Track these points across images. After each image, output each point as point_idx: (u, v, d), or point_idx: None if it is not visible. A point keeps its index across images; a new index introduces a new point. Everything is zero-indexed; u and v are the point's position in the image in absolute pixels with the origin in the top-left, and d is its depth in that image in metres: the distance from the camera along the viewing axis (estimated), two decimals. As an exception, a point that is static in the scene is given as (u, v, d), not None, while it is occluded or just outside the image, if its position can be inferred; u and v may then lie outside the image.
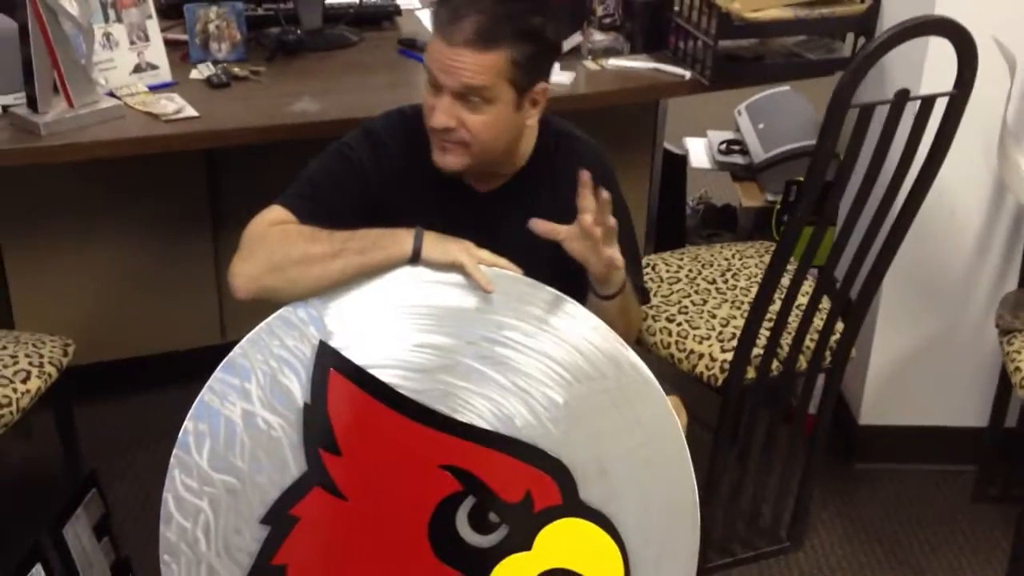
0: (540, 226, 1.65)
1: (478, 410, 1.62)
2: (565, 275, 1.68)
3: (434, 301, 1.64)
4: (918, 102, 1.87)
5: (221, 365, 1.63)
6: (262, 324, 1.64)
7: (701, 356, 2.09)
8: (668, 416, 1.68)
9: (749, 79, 2.68)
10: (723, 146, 3.34)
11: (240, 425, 1.62)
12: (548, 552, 1.66)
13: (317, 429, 1.62)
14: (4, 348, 1.99)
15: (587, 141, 1.89)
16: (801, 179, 2.78)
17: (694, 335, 2.12)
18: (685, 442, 1.69)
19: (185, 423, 1.63)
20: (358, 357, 1.62)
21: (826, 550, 2.33)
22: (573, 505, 1.65)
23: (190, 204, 2.59)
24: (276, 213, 1.73)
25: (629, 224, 1.87)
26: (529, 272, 1.66)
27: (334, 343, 1.62)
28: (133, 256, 2.58)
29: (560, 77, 2.55)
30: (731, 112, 3.38)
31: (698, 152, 3.38)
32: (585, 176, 1.62)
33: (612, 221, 1.63)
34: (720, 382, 2.07)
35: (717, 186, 3.64)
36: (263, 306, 1.72)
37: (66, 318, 2.27)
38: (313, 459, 1.62)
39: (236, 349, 1.63)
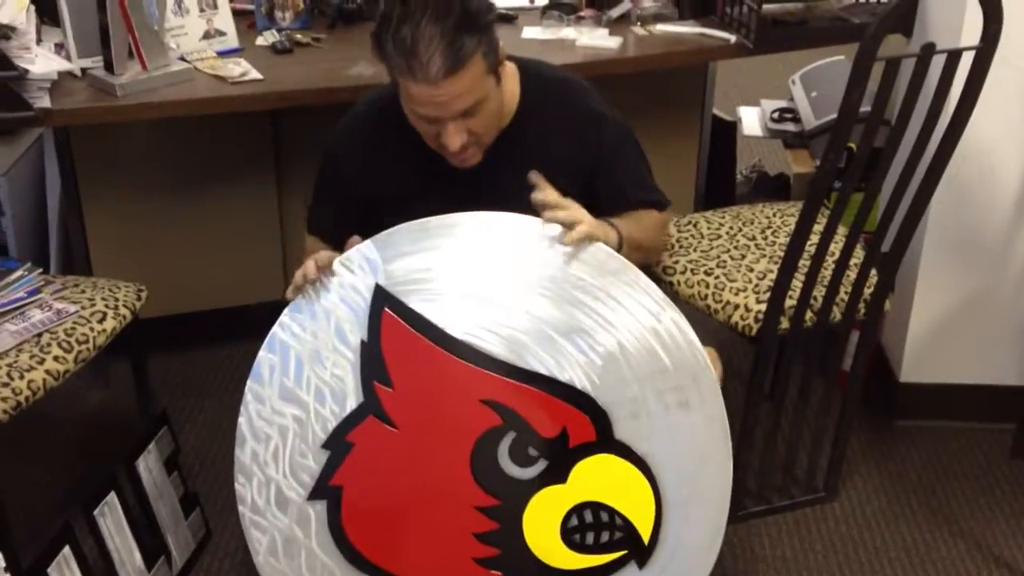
0: (537, 179, 1.74)
1: (523, 354, 1.72)
2: None
3: (488, 252, 1.75)
4: (944, 56, 1.91)
5: (290, 305, 1.78)
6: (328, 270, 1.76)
7: (736, 307, 2.16)
8: (703, 366, 1.76)
9: (793, 43, 2.73)
10: (776, 114, 3.38)
11: (307, 361, 1.77)
12: (582, 485, 1.76)
13: (373, 364, 1.75)
14: (83, 292, 2.14)
15: (571, 81, 1.95)
16: (852, 146, 2.82)
17: (731, 287, 2.19)
18: (719, 387, 1.78)
19: (259, 355, 1.78)
20: (410, 300, 1.74)
21: (862, 501, 2.39)
22: (607, 442, 1.75)
23: (255, 164, 2.72)
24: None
25: (632, 142, 1.96)
26: None
27: (391, 285, 1.75)
28: (202, 213, 2.72)
29: (608, 42, 2.64)
30: (786, 82, 3.42)
31: (751, 120, 3.43)
32: (533, 177, 1.72)
33: (560, 209, 1.71)
34: (754, 332, 2.14)
35: (771, 156, 3.70)
36: None
37: (140, 270, 2.40)
38: (368, 391, 1.75)
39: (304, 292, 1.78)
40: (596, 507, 1.76)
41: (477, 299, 1.74)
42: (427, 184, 1.88)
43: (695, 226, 2.43)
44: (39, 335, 1.99)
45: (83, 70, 2.36)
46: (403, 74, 1.70)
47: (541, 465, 1.75)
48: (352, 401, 1.75)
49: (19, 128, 2.45)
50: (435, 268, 1.75)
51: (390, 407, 1.75)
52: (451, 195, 1.79)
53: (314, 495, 1.77)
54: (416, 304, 1.74)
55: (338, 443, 1.76)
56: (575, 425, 1.74)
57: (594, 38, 2.67)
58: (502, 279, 1.74)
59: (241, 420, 1.79)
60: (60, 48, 2.39)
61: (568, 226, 1.71)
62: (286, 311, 1.78)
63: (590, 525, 1.76)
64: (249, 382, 1.78)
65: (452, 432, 1.76)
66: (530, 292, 1.74)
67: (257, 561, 1.81)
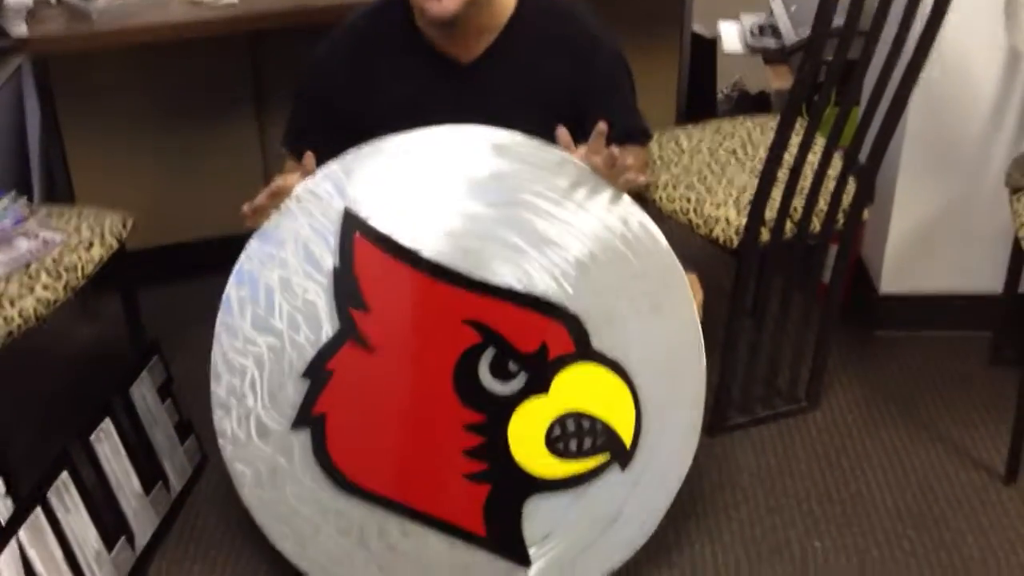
0: (563, 136, 1.75)
1: (497, 269, 1.76)
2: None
3: (457, 167, 1.77)
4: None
5: (255, 235, 1.79)
6: (291, 196, 1.78)
7: (718, 220, 2.18)
8: (674, 269, 1.80)
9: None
10: (756, 29, 3.37)
11: (278, 289, 1.78)
12: (564, 395, 1.80)
13: (346, 290, 1.77)
14: (69, 221, 2.14)
15: (573, 5, 1.94)
16: (831, 59, 2.82)
17: (712, 201, 2.21)
18: (690, 290, 1.82)
19: (227, 289, 1.79)
20: (380, 222, 1.76)
21: (843, 410, 2.44)
22: (585, 352, 1.79)
23: (236, 90, 2.71)
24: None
25: (624, 70, 1.96)
26: None
27: (358, 210, 1.76)
28: (183, 141, 2.71)
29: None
30: (764, -3, 3.40)
31: (731, 36, 3.41)
32: (601, 127, 1.71)
33: (618, 158, 1.72)
34: (736, 245, 2.16)
35: (752, 73, 3.69)
36: None
37: (123, 199, 2.40)
38: (344, 316, 1.77)
39: (269, 220, 1.79)
40: (578, 416, 1.81)
41: (444, 217, 1.76)
42: (420, 93, 1.87)
43: (675, 141, 2.44)
44: (27, 264, 2.00)
45: (57, -2, 2.35)
46: None
47: (522, 379, 1.78)
48: (328, 328, 1.77)
49: (-4, 57, 2.43)
50: (399, 189, 1.76)
51: (368, 331, 1.77)
52: (443, 104, 1.79)
53: (297, 424, 1.80)
54: (385, 227, 1.75)
55: (318, 371, 1.78)
56: (553, 337, 1.78)
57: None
58: (466, 195, 1.76)
59: (215, 354, 1.80)
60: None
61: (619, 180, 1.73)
62: (252, 240, 1.79)
63: (573, 433, 1.81)
64: (219, 316, 1.80)
65: (432, 352, 1.79)
66: (495, 206, 1.75)
67: (243, 494, 1.85)
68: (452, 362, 1.78)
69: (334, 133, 1.88)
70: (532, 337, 1.77)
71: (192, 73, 2.64)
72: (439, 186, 1.77)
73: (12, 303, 1.91)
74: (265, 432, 1.80)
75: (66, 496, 1.85)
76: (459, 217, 1.75)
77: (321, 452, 1.81)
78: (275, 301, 1.78)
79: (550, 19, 1.89)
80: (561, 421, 1.80)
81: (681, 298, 1.81)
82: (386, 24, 1.87)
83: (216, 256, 2.78)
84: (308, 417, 1.80)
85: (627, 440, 1.82)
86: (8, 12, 2.21)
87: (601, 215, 1.77)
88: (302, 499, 1.83)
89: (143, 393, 2.10)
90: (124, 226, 2.18)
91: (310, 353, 1.78)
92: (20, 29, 2.21)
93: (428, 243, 1.75)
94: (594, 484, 1.83)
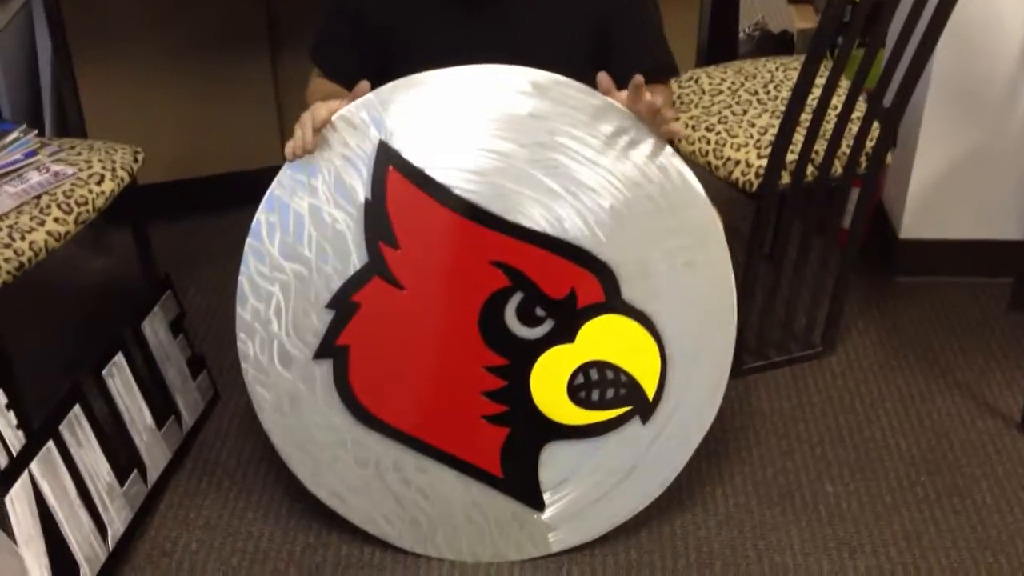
0: (603, 81, 1.70)
1: (529, 212, 1.73)
2: (579, 77, 1.73)
3: (495, 106, 1.72)
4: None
5: (288, 162, 1.76)
6: (327, 125, 1.74)
7: (737, 163, 2.14)
8: (711, 221, 1.77)
9: None
10: (779, -31, 3.31)
11: (307, 218, 1.76)
12: (590, 345, 1.78)
13: (377, 223, 1.74)
14: (80, 154, 2.12)
15: None
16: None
17: (732, 143, 2.18)
18: (726, 247, 1.78)
19: (257, 214, 1.77)
20: (416, 157, 1.72)
21: (859, 354, 2.42)
22: (615, 302, 1.77)
23: (249, 26, 2.67)
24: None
25: (652, 4, 1.92)
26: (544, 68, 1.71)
27: (394, 143, 1.73)
28: (196, 76, 2.68)
29: None
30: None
31: (754, -25, 3.36)
32: (638, 80, 1.67)
33: (661, 109, 1.68)
34: (755, 188, 2.13)
35: (775, 11, 3.62)
36: None
37: (135, 134, 2.37)
38: (374, 251, 1.75)
39: None
40: (602, 365, 1.79)
41: (479, 156, 1.72)
42: (444, 20, 1.83)
43: (696, 82, 2.40)
44: (38, 197, 1.99)
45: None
46: None
47: (548, 325, 1.77)
48: (356, 260, 1.75)
49: (6, -10, 2.41)
50: (436, 125, 1.73)
51: (396, 267, 1.76)
52: (467, 32, 1.76)
53: (320, 354, 1.79)
54: (420, 161, 1.72)
55: (343, 303, 1.77)
56: (583, 286, 1.76)
57: None
58: (502, 135, 1.72)
59: (241, 278, 1.79)
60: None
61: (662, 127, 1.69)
62: (285, 168, 1.76)
63: (596, 383, 1.80)
64: (248, 240, 1.78)
65: (460, 293, 1.77)
66: (531, 147, 1.72)
67: (263, 418, 1.85)
68: (479, 303, 1.76)
69: (363, 50, 1.86)
70: (561, 283, 1.75)
71: (207, 9, 2.60)
72: (476, 124, 1.73)
73: (23, 236, 1.90)
74: (288, 359, 1.80)
75: (78, 430, 1.85)
76: (494, 156, 1.72)
77: (342, 383, 1.80)
78: (304, 229, 1.75)
79: None
80: (584, 369, 1.79)
81: (718, 254, 1.78)
82: None
83: (229, 191, 2.80)
84: (331, 348, 1.79)
85: (650, 393, 1.80)
86: (18, -58, 2.18)
87: (641, 164, 1.73)
88: (321, 427, 1.83)
89: (155, 328, 2.09)
90: (135, 160, 2.16)
91: (337, 284, 1.76)
92: (30, -40, 2.18)
93: (462, 181, 1.72)
94: (613, 435, 1.83)
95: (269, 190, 1.77)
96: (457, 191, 1.73)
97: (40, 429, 1.79)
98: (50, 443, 1.78)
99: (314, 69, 1.99)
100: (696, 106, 2.30)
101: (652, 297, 1.77)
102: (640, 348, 1.79)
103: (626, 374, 1.79)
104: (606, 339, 1.78)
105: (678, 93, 2.36)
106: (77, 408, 1.86)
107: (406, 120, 1.73)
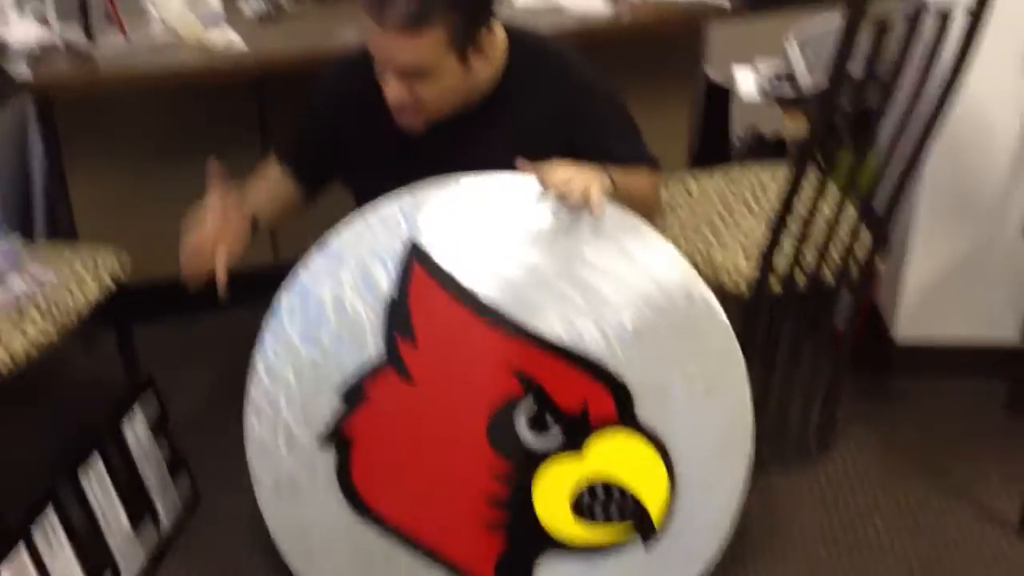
0: (524, 165, 1.71)
1: (550, 322, 1.71)
2: None
3: (526, 215, 1.72)
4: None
5: (317, 247, 1.76)
6: (358, 215, 1.75)
7: (727, 269, 2.13)
8: (732, 350, 1.76)
9: (788, 3, 2.70)
10: (772, 75, 3.34)
11: (329, 305, 1.74)
12: (598, 461, 1.75)
13: (398, 317, 1.73)
14: (63, 259, 2.13)
15: (562, 50, 1.91)
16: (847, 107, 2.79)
17: (720, 248, 2.17)
18: (746, 377, 1.76)
19: (280, 296, 1.76)
20: (443, 258, 1.72)
21: (854, 458, 2.37)
22: (627, 421, 1.74)
23: (240, 132, 2.70)
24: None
25: (622, 111, 1.93)
26: None
27: (423, 242, 1.72)
28: (187, 180, 2.64)
29: (600, 7, 2.61)
30: (782, 41, 3.38)
31: (746, 81, 3.37)
32: (520, 164, 1.69)
33: (569, 180, 1.68)
34: (745, 294, 2.11)
35: (767, 117, 3.65)
36: (315, 227, 1.85)
37: (125, 236, 2.39)
38: (391, 343, 1.74)
39: (334, 236, 1.75)
40: (609, 484, 1.76)
41: (505, 262, 1.72)
42: (399, 145, 1.84)
43: (685, 187, 2.41)
44: (19, 304, 1.98)
45: (62, 37, 2.34)
46: (365, 5, 1.67)
47: (558, 436, 1.74)
48: (372, 350, 1.73)
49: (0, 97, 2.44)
50: (466, 228, 1.73)
51: (411, 362, 1.74)
52: (424, 159, 1.76)
53: (325, 441, 1.77)
54: (446, 262, 1.72)
55: (353, 392, 1.75)
56: (596, 400, 1.73)
57: (586, 4, 2.64)
58: (529, 244, 1.72)
59: (256, 358, 1.77)
60: (40, 16, 2.37)
61: (578, 196, 1.67)
62: (313, 253, 1.75)
63: (601, 501, 1.76)
64: (269, 320, 1.76)
65: (471, 394, 1.75)
66: (557, 258, 1.71)
67: (260, 497, 1.81)
68: (490, 407, 1.74)
69: (317, 147, 1.92)
70: (575, 395, 1.73)
71: (197, 113, 2.64)
72: (505, 231, 1.73)
73: (3, 343, 1.89)
74: (293, 443, 1.77)
75: (51, 533, 1.82)
76: (520, 264, 1.71)
77: (344, 474, 1.78)
78: (325, 315, 1.74)
79: (543, 73, 1.85)
80: (590, 485, 1.75)
81: (736, 381, 1.76)
82: (365, 78, 1.82)
83: (214, 294, 2.79)
84: (337, 436, 1.77)
85: (656, 519, 1.77)
86: (11, 54, 2.20)
87: (665, 286, 1.72)
88: (317, 517, 1.79)
89: (135, 428, 2.07)
90: (120, 265, 2.16)
91: (350, 372, 1.74)
92: (23, 71, 2.20)
93: (486, 285, 1.71)
94: (612, 557, 1.78)
95: (294, 273, 1.76)
96: (480, 295, 1.71)
97: (12, 532, 1.75)
98: (20, 546, 1.75)
99: (273, 158, 2.01)
100: (684, 210, 2.31)
101: (667, 420, 1.74)
102: (649, 471, 1.75)
103: (632, 496, 1.75)
104: (615, 457, 1.75)
105: (666, 198, 2.36)
106: (51, 511, 1.83)
107: (437, 221, 1.73)
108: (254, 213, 1.86)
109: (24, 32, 2.26)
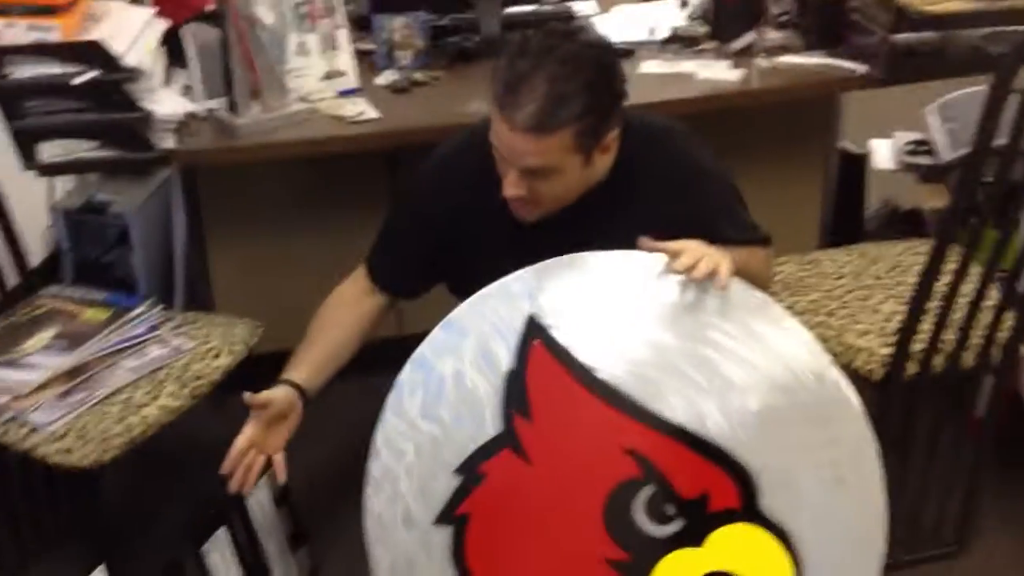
0: (646, 244, 1.69)
1: (671, 403, 1.65)
2: None
3: (651, 294, 1.69)
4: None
5: (441, 324, 1.75)
6: (482, 291, 1.74)
7: (860, 350, 2.06)
8: (866, 438, 1.68)
9: (927, 74, 2.63)
10: (910, 147, 3.25)
11: (450, 380, 1.72)
12: (718, 553, 1.67)
13: (515, 394, 1.70)
14: (200, 328, 2.19)
15: (674, 131, 1.88)
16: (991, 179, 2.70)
17: (855, 330, 2.10)
18: (881, 468, 1.68)
19: (403, 371, 1.75)
20: (563, 335, 1.69)
21: (995, 554, 2.25)
22: (751, 512, 1.66)
23: (372, 203, 2.72)
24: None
25: (734, 193, 1.90)
26: None
27: (543, 318, 1.70)
28: (321, 251, 2.74)
29: (730, 75, 2.58)
30: (921, 112, 3.29)
31: (883, 153, 3.29)
32: (642, 244, 1.67)
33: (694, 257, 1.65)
34: (880, 377, 2.04)
35: (904, 191, 3.54)
36: (438, 300, 1.88)
37: (261, 305, 2.44)
38: (508, 421, 1.70)
39: (456, 310, 1.75)
40: None
41: (627, 342, 1.67)
42: (511, 234, 1.83)
43: (817, 265, 2.34)
44: (156, 371, 2.04)
45: (209, 111, 2.42)
46: (495, 101, 1.67)
47: (677, 525, 1.66)
48: (490, 428, 1.71)
49: (147, 168, 2.53)
50: (588, 304, 1.70)
51: (527, 441, 1.71)
52: (538, 245, 1.73)
53: (440, 520, 1.73)
54: (566, 340, 1.69)
55: (471, 471, 1.72)
56: (718, 489, 1.66)
57: (715, 71, 2.61)
58: (654, 324, 1.68)
59: (377, 433, 1.76)
60: (188, 90, 2.47)
61: (704, 271, 1.64)
62: (437, 330, 1.75)
63: None
64: (391, 396, 1.76)
65: (588, 476, 1.70)
66: (682, 339, 1.67)
67: None
68: (607, 491, 1.68)
69: (420, 263, 1.92)
70: (695, 483, 1.66)
71: (333, 185, 2.68)
72: (629, 309, 1.69)
73: (137, 410, 1.95)
74: (410, 521, 1.74)
75: (175, 607, 1.84)
76: (643, 344, 1.67)
77: (458, 553, 1.74)
78: (445, 391, 1.73)
79: (655, 158, 1.83)
80: None
81: (870, 472, 1.67)
82: (473, 164, 1.82)
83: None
84: (452, 515, 1.73)
85: None
86: (157, 125, 2.30)
87: (795, 368, 1.65)
88: None
89: (260, 500, 2.09)
90: (254, 335, 2.21)
91: (468, 450, 1.71)
92: (168, 142, 2.29)
93: (606, 364, 1.67)
94: (730, 656, 1.71)
95: (419, 349, 1.75)
96: (600, 374, 1.67)
97: (137, 604, 1.79)
98: (145, 619, 1.78)
99: (360, 268, 2.02)
100: (816, 290, 2.24)
101: (793, 511, 1.65)
102: (773, 565, 1.66)
103: None
104: (737, 550, 1.66)
105: (798, 275, 2.30)
106: (176, 585, 1.85)
107: (558, 297, 1.71)
108: (306, 387, 1.90)
109: (172, 106, 2.35)
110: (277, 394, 1.85)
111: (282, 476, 1.87)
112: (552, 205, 1.78)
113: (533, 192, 1.73)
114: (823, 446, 1.65)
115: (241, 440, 1.83)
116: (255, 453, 1.85)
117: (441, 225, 1.89)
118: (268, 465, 2.16)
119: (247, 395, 1.81)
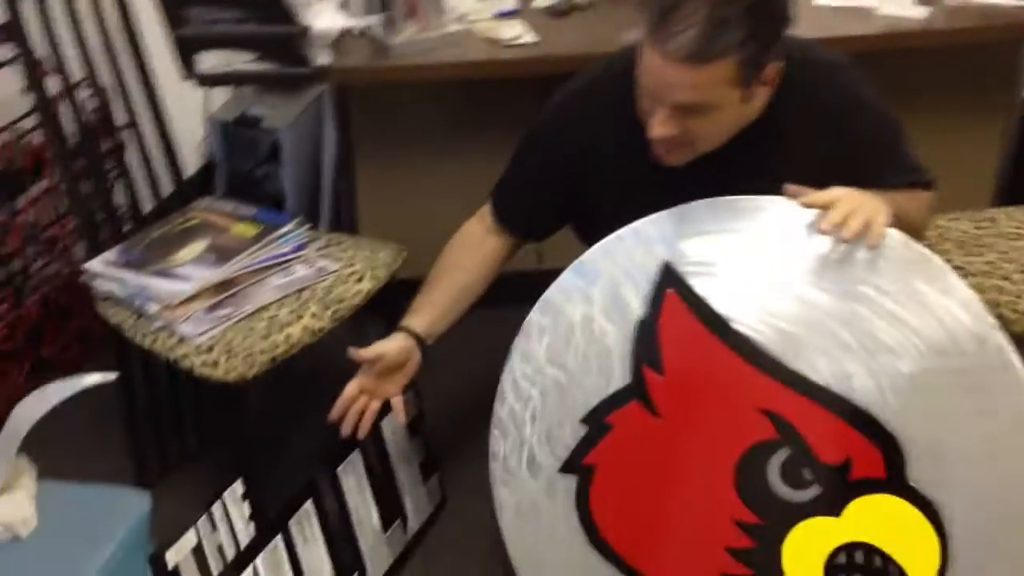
0: (791, 190, 1.59)
1: (815, 363, 1.56)
2: None
3: (800, 248, 1.59)
4: None
5: (572, 266, 1.71)
6: (616, 233, 1.68)
7: (1034, 319, 1.92)
8: None
9: None
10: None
11: (578, 326, 1.69)
12: (857, 524, 1.58)
13: (646, 345, 1.64)
14: (345, 251, 2.18)
15: (837, 65, 1.73)
16: None
17: (1029, 296, 1.96)
18: None
19: (531, 314, 1.72)
20: (700, 285, 1.62)
21: None
22: (896, 482, 1.56)
23: (523, 130, 2.68)
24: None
25: (897, 133, 1.77)
26: None
27: (680, 266, 1.63)
28: (468, 177, 2.68)
29: (914, 11, 2.41)
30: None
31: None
32: (789, 191, 1.57)
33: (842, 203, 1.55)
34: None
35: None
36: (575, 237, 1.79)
37: (404, 230, 2.41)
38: (637, 373, 1.65)
39: (588, 253, 1.70)
40: (870, 550, 1.58)
41: (771, 294, 1.58)
42: (647, 175, 1.71)
43: (995, 224, 2.19)
44: (300, 290, 2.04)
45: (364, 28, 2.38)
46: (648, 30, 1.54)
47: (814, 491, 1.58)
48: (618, 379, 1.66)
49: (301, 83, 2.52)
50: (730, 252, 1.61)
51: (657, 394, 1.65)
52: (680, 190, 1.63)
53: (566, 468, 1.71)
54: (704, 289, 1.61)
55: (597, 421, 1.68)
56: (861, 456, 1.56)
57: (899, 6, 2.44)
58: (802, 277, 1.58)
59: (504, 376, 1.74)
60: (345, 4, 2.44)
61: (857, 228, 1.53)
62: (567, 272, 1.70)
63: (860, 567, 1.59)
64: (518, 338, 1.73)
65: (720, 435, 1.63)
66: (832, 294, 1.57)
67: (503, 521, 1.77)
68: (739, 451, 1.61)
69: (547, 200, 1.84)
70: (837, 448, 1.56)
71: (485, 109, 2.62)
72: (772, 260, 1.60)
73: (281, 328, 1.95)
74: (535, 466, 1.72)
75: (307, 526, 1.86)
76: (786, 298, 1.58)
77: (583, 503, 1.71)
78: (573, 337, 1.69)
79: (809, 88, 1.68)
80: (849, 550, 1.58)
81: None
82: (609, 98, 1.72)
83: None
84: (578, 464, 1.71)
85: None
86: (314, 40, 2.27)
87: (954, 330, 1.53)
88: (553, 542, 1.73)
89: (394, 427, 2.09)
90: (396, 260, 2.19)
91: (595, 400, 1.67)
92: (324, 58, 2.27)
93: (745, 318, 1.59)
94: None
95: (546, 293, 1.71)
96: (738, 327, 1.59)
97: (271, 523, 1.80)
98: (278, 538, 1.79)
99: (485, 205, 1.94)
100: (991, 250, 2.09)
101: (942, 484, 1.54)
102: (918, 541, 1.56)
103: (898, 567, 1.57)
104: (879, 522, 1.57)
105: (974, 233, 2.15)
106: (309, 504, 1.87)
107: (697, 244, 1.62)
108: (426, 334, 1.87)
109: (329, 21, 2.32)
110: (390, 347, 1.82)
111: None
112: (704, 147, 1.65)
113: (685, 132, 1.60)
114: (979, 417, 1.53)
115: (350, 387, 1.81)
116: (367, 399, 1.82)
117: (571, 163, 1.80)
118: (406, 387, 2.16)
119: (352, 350, 1.78)
